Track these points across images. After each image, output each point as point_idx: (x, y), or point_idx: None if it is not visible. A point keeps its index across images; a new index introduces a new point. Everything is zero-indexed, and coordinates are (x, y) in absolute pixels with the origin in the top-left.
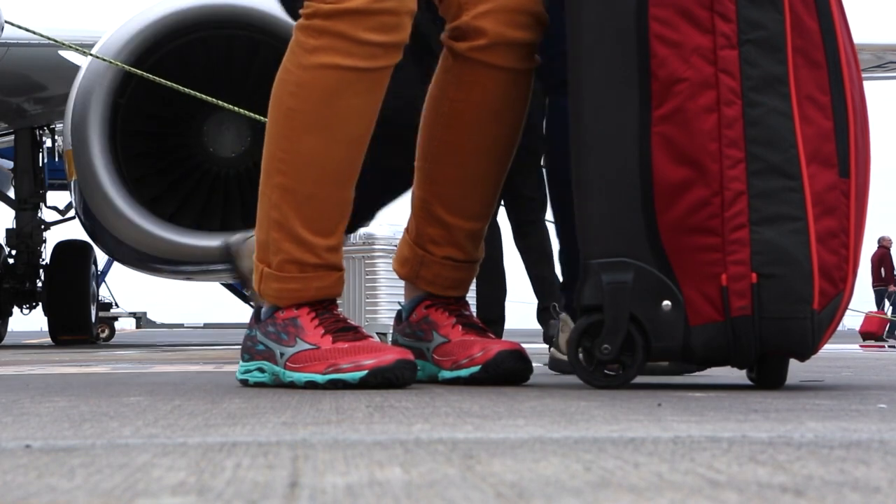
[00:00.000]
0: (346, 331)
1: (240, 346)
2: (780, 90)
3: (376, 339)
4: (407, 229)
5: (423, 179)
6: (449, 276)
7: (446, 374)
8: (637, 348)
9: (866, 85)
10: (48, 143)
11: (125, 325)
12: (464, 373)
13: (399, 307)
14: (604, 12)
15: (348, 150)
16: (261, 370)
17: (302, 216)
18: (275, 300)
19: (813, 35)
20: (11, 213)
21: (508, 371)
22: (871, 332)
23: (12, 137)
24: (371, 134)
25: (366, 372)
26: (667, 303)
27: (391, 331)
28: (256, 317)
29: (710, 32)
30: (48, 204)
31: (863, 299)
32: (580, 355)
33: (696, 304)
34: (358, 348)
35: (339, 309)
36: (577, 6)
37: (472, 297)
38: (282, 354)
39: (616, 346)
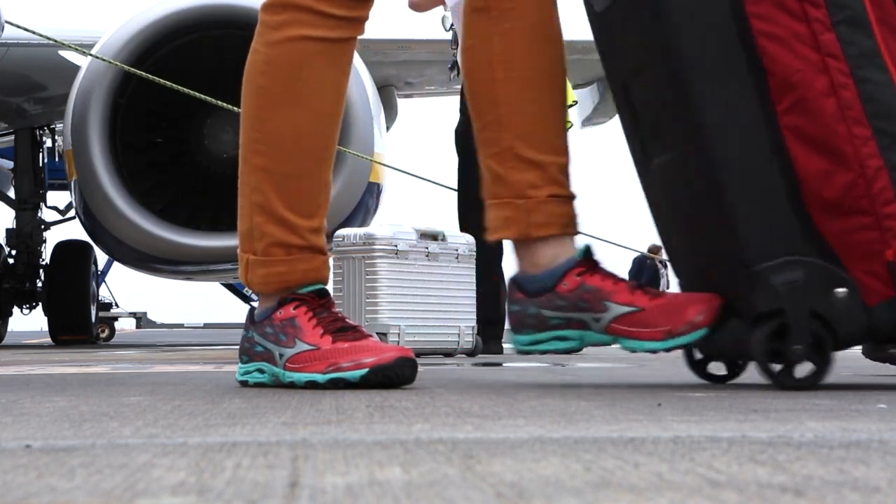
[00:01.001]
0: (346, 330)
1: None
2: (878, 62)
3: (376, 338)
4: (492, 195)
5: (497, 130)
6: (562, 213)
7: (655, 345)
8: (825, 342)
9: None
10: (48, 143)
11: (125, 325)
12: (686, 339)
13: (503, 280)
14: (698, 13)
15: (320, 125)
16: (260, 371)
17: (283, 196)
18: (262, 287)
19: (886, 4)
20: (11, 213)
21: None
22: None
23: (12, 137)
24: (342, 110)
25: (366, 370)
26: (841, 290)
27: (389, 331)
28: (251, 318)
29: (804, 20)
30: (48, 204)
31: None
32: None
33: (867, 284)
34: (358, 347)
35: (338, 308)
36: (665, 9)
37: (473, 299)
38: (281, 355)
39: (806, 344)
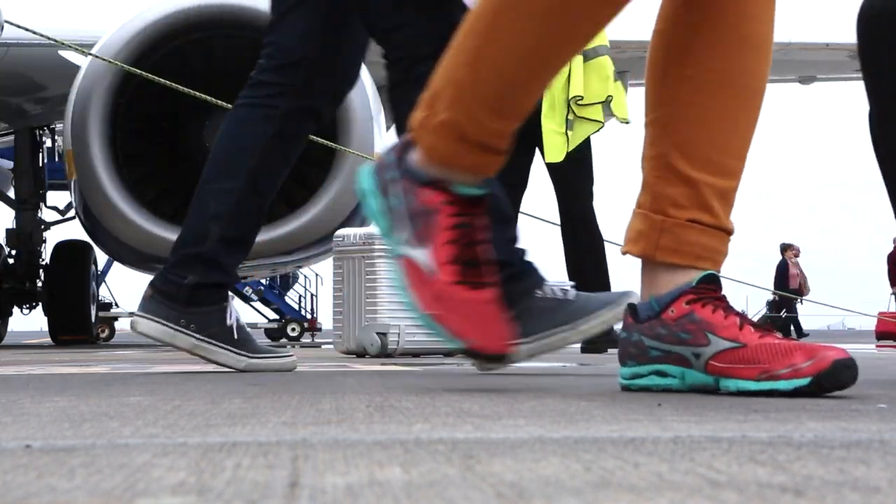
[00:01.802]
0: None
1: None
2: None
3: (376, 339)
4: (638, 203)
5: (658, 132)
6: (696, 242)
7: (748, 384)
8: None
9: None
10: (48, 143)
11: (125, 325)
12: (784, 385)
13: (622, 301)
14: None
15: (553, 39)
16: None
17: (482, 85)
18: (425, 152)
19: None
20: (11, 213)
21: (843, 383)
22: (890, 333)
23: (12, 137)
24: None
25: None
26: None
27: (389, 331)
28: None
29: None
30: (48, 204)
31: (871, 300)
32: None
33: None
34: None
35: (340, 308)
36: None
37: None
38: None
39: None
